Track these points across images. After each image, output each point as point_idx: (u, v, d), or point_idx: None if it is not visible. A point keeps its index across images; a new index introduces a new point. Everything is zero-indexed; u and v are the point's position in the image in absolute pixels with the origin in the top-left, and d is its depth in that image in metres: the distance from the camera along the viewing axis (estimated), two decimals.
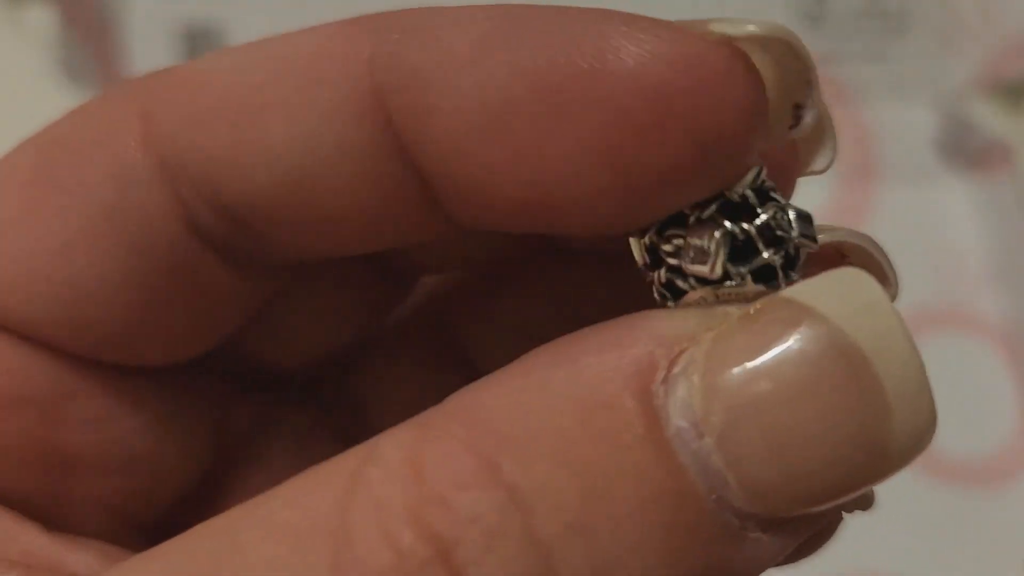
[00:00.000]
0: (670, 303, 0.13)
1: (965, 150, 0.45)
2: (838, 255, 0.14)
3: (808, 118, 0.13)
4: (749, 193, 0.13)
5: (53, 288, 0.15)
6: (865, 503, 0.14)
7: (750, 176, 0.13)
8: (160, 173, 0.15)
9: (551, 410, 0.12)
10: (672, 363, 0.12)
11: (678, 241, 0.13)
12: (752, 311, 0.12)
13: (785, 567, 0.18)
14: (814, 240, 0.13)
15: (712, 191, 0.13)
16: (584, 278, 0.18)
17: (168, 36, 0.47)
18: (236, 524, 0.12)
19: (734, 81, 0.12)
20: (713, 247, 0.13)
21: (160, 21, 0.47)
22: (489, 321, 0.19)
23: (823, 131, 0.14)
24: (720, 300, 0.13)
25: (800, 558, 0.16)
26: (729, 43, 0.12)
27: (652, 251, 0.14)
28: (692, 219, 0.13)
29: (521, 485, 0.11)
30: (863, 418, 0.12)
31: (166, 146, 0.15)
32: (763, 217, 0.13)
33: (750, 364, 0.12)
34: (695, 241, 0.13)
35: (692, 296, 0.13)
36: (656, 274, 0.14)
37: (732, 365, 0.12)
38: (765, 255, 0.13)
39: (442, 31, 0.13)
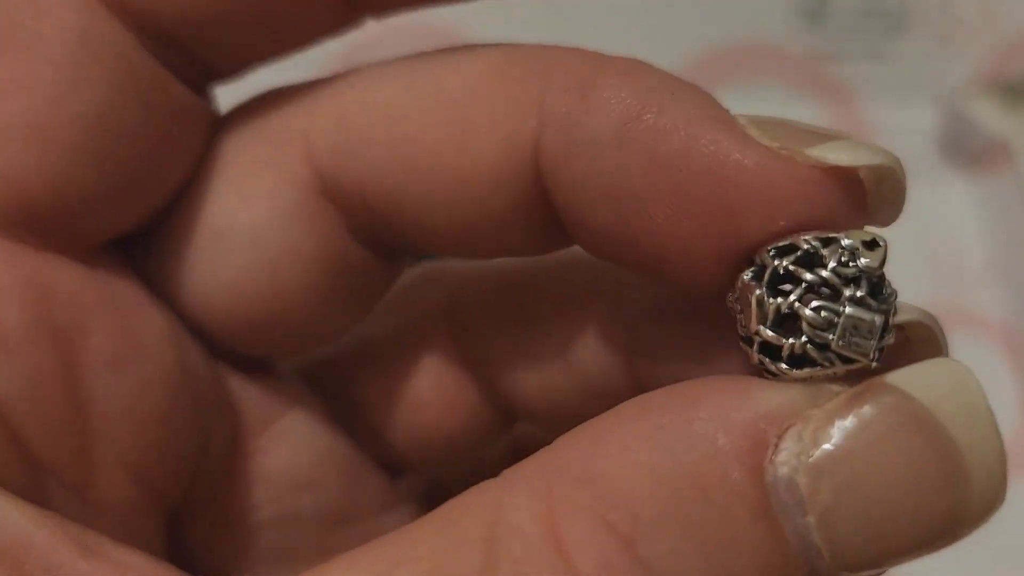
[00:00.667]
0: (770, 369, 0.14)
1: (965, 149, 0.45)
2: (898, 327, 0.15)
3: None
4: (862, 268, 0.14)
5: (66, 127, 0.16)
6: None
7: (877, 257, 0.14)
8: (104, 4, 0.16)
9: (674, 484, 0.13)
10: (780, 438, 0.13)
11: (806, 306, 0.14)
12: (857, 392, 0.13)
13: None
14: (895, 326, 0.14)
15: None
16: (597, 285, 0.18)
17: None
18: (414, 552, 0.13)
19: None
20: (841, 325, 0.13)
21: None
22: (491, 316, 0.19)
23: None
24: (824, 378, 0.14)
25: None
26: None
27: (770, 315, 0.14)
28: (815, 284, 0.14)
29: (655, 563, 0.12)
30: (950, 502, 0.13)
31: None
32: (884, 302, 0.14)
33: (855, 446, 0.13)
34: (828, 314, 0.14)
35: (800, 374, 0.14)
36: (757, 337, 0.14)
37: (837, 446, 0.13)
38: (887, 339, 0.14)
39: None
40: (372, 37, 0.21)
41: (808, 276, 0.14)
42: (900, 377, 0.13)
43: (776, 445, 0.13)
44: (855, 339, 0.13)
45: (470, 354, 0.19)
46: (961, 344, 0.15)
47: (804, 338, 0.13)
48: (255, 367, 0.19)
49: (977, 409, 0.13)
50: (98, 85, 0.16)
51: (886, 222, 0.15)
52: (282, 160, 0.17)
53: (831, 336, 0.13)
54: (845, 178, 0.14)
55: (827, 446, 0.13)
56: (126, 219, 0.17)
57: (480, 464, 0.21)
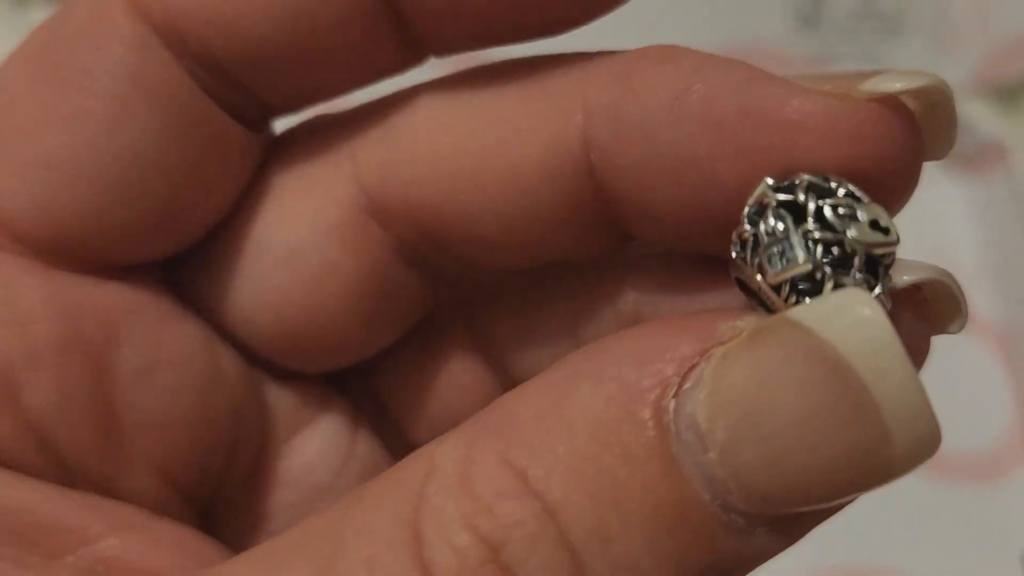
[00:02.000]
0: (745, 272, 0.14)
1: (960, 151, 0.46)
2: (913, 287, 0.15)
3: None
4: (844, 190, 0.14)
5: (105, 165, 0.16)
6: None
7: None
8: (159, 39, 0.16)
9: (572, 423, 0.13)
10: (684, 378, 0.13)
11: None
12: (757, 329, 0.13)
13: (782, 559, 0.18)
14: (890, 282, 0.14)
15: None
16: (615, 277, 0.18)
17: None
18: (337, 527, 0.13)
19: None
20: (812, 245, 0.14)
21: None
22: (508, 309, 0.19)
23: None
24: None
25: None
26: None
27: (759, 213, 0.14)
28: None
29: (549, 495, 0.13)
30: (858, 435, 0.12)
31: (152, 15, 0.16)
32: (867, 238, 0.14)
33: (752, 383, 0.12)
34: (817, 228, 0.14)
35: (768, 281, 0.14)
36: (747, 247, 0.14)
37: (735, 384, 0.13)
38: (878, 289, 0.14)
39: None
40: None
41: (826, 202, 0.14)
42: (799, 312, 0.13)
43: (679, 385, 0.13)
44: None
45: (482, 341, 0.19)
46: (954, 344, 0.16)
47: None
48: (289, 372, 0.19)
49: (880, 340, 0.12)
50: (144, 123, 0.16)
51: (941, 154, 0.15)
52: (328, 179, 0.17)
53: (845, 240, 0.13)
54: (901, 106, 0.14)
55: (725, 382, 0.13)
56: (163, 248, 0.17)
57: None
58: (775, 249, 0.14)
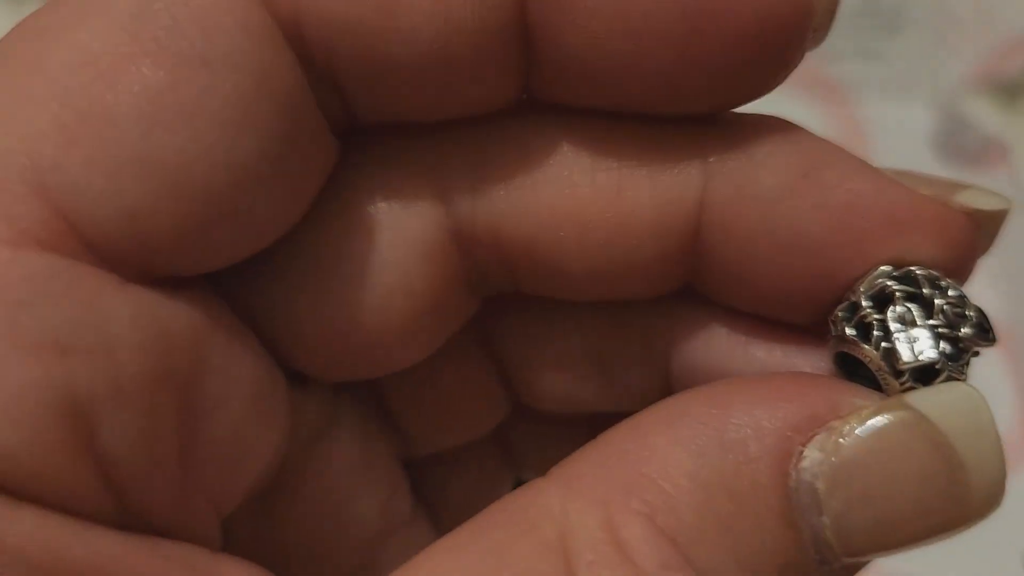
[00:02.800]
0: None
1: (961, 148, 0.45)
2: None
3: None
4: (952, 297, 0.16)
5: (215, 174, 0.14)
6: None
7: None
8: (281, 36, 0.14)
9: (711, 488, 0.14)
10: (805, 446, 0.14)
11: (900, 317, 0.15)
12: (880, 408, 0.14)
13: None
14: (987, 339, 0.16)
15: (771, 82, 0.16)
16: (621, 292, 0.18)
17: None
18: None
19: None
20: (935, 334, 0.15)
21: None
22: (533, 336, 0.19)
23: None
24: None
25: None
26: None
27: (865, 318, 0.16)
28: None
29: (699, 563, 0.14)
30: (950, 513, 0.14)
31: (279, 10, 0.14)
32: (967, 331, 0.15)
33: (871, 461, 0.14)
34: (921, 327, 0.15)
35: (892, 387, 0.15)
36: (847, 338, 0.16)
37: (855, 458, 0.14)
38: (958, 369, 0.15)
39: None
40: None
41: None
42: (919, 396, 0.14)
43: (800, 453, 0.14)
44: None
45: (500, 359, 0.19)
46: None
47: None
48: (307, 381, 0.18)
49: (985, 432, 0.14)
50: (265, 131, 0.14)
51: (985, 250, 0.17)
52: (413, 194, 0.16)
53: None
54: (977, 219, 0.16)
55: (846, 455, 0.14)
56: (237, 256, 0.15)
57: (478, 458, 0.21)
58: (903, 336, 0.15)
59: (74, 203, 0.13)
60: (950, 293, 0.15)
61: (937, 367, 0.15)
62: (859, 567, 0.15)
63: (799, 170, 0.16)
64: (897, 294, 0.15)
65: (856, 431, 0.14)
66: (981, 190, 0.16)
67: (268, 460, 0.17)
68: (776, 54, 0.15)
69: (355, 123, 0.16)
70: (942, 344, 0.15)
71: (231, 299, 0.16)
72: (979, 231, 0.16)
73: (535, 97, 0.16)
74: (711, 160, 0.16)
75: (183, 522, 0.15)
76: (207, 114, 0.13)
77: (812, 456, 0.14)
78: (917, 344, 0.15)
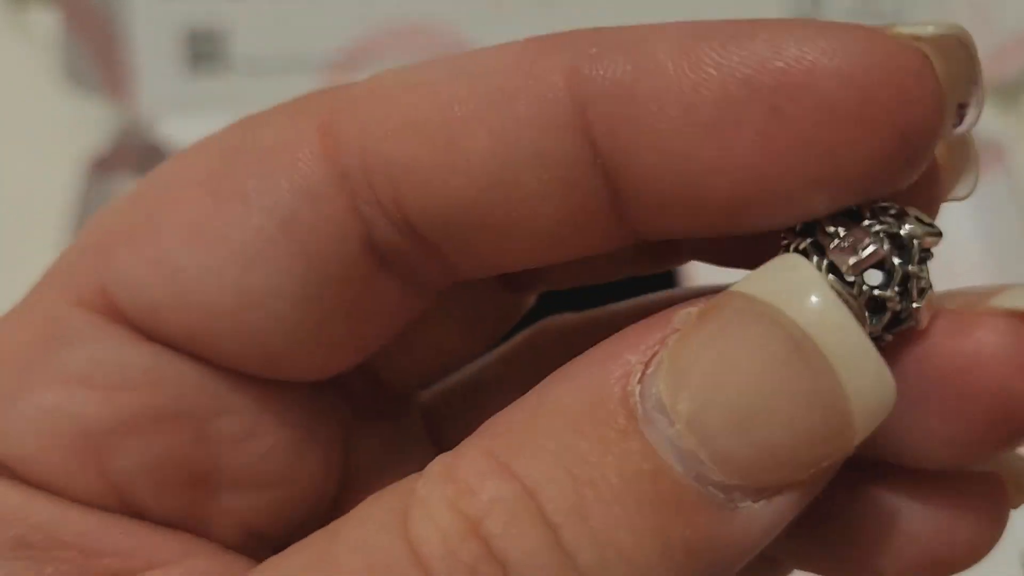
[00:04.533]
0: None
1: None
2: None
3: (971, 116, 0.15)
4: (908, 231, 0.14)
5: (226, 297, 0.15)
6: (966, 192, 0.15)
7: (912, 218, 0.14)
8: (340, 186, 0.15)
9: (549, 415, 0.14)
10: (647, 365, 0.14)
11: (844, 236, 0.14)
12: (707, 307, 0.14)
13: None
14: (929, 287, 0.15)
15: (906, 180, 0.14)
16: None
17: (171, 39, 0.48)
18: (335, 526, 0.14)
19: (927, 77, 0.14)
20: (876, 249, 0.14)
21: (163, 24, 0.47)
22: (576, 342, 0.19)
23: (966, 157, 0.15)
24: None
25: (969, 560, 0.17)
26: (917, 44, 0.14)
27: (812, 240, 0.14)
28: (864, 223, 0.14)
29: (526, 478, 0.13)
30: (813, 388, 0.13)
31: (349, 157, 0.15)
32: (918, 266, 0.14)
33: (705, 353, 0.13)
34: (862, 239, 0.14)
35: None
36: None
37: (690, 357, 0.13)
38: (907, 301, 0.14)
39: (643, 42, 0.14)
40: (373, 43, 0.21)
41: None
42: (743, 284, 0.14)
43: (643, 371, 0.13)
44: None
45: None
46: None
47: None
48: (380, 411, 0.19)
49: (824, 303, 0.13)
50: (280, 270, 0.15)
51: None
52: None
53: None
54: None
55: (682, 356, 0.13)
56: (281, 377, 0.17)
57: None
58: (844, 244, 0.14)
59: (116, 285, 0.16)
60: (883, 204, 0.14)
61: (887, 267, 0.14)
62: (772, 500, 0.13)
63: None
64: (825, 221, 0.14)
65: (690, 332, 0.13)
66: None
67: (312, 492, 0.18)
68: (905, 164, 0.14)
69: (456, 278, 0.17)
70: (886, 243, 0.14)
71: None
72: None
73: (641, 235, 0.15)
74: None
75: (203, 534, 0.17)
76: (229, 242, 0.15)
77: (653, 371, 0.13)
78: (858, 246, 0.14)
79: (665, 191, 0.14)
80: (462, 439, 0.19)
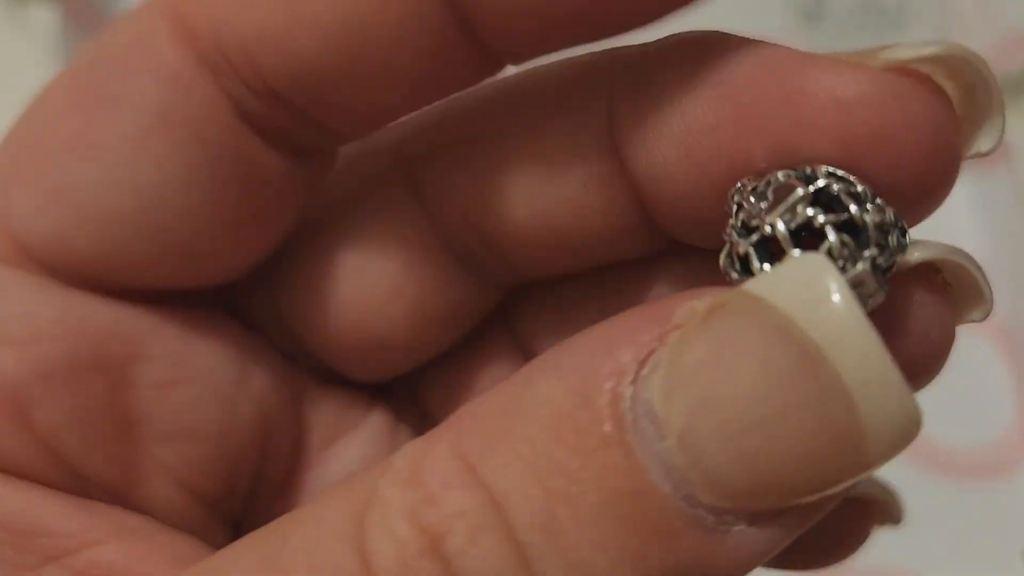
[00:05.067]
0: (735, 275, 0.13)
1: None
2: (932, 270, 0.14)
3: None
4: (859, 191, 0.13)
5: (123, 202, 0.15)
6: (894, 517, 0.14)
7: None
8: (201, 68, 0.15)
9: (527, 414, 0.12)
10: (642, 364, 0.12)
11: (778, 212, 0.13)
12: (713, 305, 0.12)
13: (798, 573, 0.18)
14: (903, 250, 0.13)
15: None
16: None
17: None
18: (286, 523, 0.13)
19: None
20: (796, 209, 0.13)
21: None
22: (550, 315, 0.19)
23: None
24: None
25: (822, 565, 0.17)
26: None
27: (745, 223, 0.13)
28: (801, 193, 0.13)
29: (496, 486, 0.12)
30: (823, 411, 0.11)
31: (203, 39, 0.15)
32: (873, 217, 0.13)
33: (707, 362, 0.12)
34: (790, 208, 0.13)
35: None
36: (733, 239, 0.13)
37: (690, 364, 0.12)
38: (867, 253, 0.13)
39: None
40: None
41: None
42: (755, 284, 0.12)
43: (638, 371, 0.12)
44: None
45: (527, 348, 0.19)
46: (958, 342, 0.15)
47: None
48: (334, 379, 0.19)
49: (843, 315, 0.11)
50: (168, 159, 0.15)
51: (986, 145, 0.14)
52: (386, 198, 0.17)
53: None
54: (924, 82, 0.13)
55: (681, 361, 0.12)
56: (199, 277, 0.17)
57: None
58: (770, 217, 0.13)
59: (16, 224, 0.16)
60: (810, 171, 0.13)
61: (819, 224, 0.12)
62: (767, 526, 0.12)
63: (691, 68, 0.14)
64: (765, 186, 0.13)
65: (691, 333, 0.12)
66: (917, 41, 0.13)
67: (250, 450, 0.17)
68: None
69: (338, 138, 0.17)
70: (811, 210, 0.12)
71: (245, 306, 0.18)
72: (929, 94, 0.13)
73: (497, 61, 0.15)
74: (615, 76, 0.15)
75: (142, 494, 0.16)
76: (110, 147, 0.15)
77: (648, 373, 0.12)
78: (785, 216, 0.13)
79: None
80: (420, 401, 0.19)
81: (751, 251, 0.13)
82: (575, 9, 0.13)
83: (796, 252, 0.13)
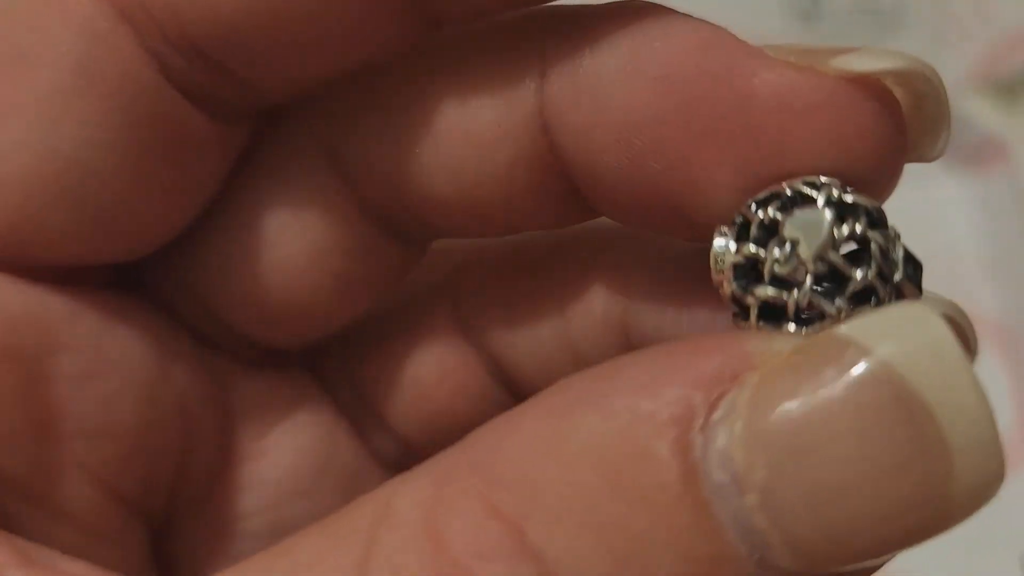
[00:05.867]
0: (742, 322, 0.12)
1: (960, 147, 0.45)
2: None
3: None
4: (860, 224, 0.12)
5: (43, 164, 0.14)
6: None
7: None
8: (122, 23, 0.14)
9: (578, 462, 0.11)
10: (712, 407, 0.11)
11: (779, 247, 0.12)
12: (804, 348, 0.11)
13: None
14: (919, 287, 0.12)
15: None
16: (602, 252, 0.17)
17: None
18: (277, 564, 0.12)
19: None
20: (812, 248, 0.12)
21: None
22: (495, 295, 0.18)
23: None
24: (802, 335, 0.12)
25: None
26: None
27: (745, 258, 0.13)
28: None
29: (548, 553, 0.10)
30: (921, 475, 0.10)
31: None
32: (876, 242, 0.12)
33: (797, 411, 0.10)
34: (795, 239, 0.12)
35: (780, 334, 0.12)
36: (732, 284, 0.13)
37: (777, 412, 0.11)
38: (859, 275, 0.12)
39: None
40: None
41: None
42: (859, 331, 0.11)
43: (708, 415, 0.11)
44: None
45: (469, 329, 0.18)
46: None
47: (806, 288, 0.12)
48: (262, 362, 0.18)
49: (955, 370, 0.11)
50: (86, 120, 0.14)
51: (930, 154, 0.13)
52: (305, 165, 0.17)
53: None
54: (877, 91, 0.12)
55: (763, 411, 0.10)
56: (115, 251, 0.16)
57: None
58: (793, 266, 0.12)
59: None
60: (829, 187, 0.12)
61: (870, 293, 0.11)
62: None
63: (634, 45, 0.14)
64: (776, 219, 0.12)
65: (777, 379, 0.11)
66: (874, 50, 0.13)
67: (171, 444, 0.17)
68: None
69: (266, 99, 0.16)
70: (872, 269, 0.12)
71: (158, 285, 0.17)
72: (879, 104, 0.12)
73: (429, 23, 0.15)
74: (549, 52, 0.15)
75: (59, 493, 0.15)
76: (23, 109, 0.14)
77: (721, 418, 0.10)
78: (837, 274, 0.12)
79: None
80: (355, 383, 0.18)
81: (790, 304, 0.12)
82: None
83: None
